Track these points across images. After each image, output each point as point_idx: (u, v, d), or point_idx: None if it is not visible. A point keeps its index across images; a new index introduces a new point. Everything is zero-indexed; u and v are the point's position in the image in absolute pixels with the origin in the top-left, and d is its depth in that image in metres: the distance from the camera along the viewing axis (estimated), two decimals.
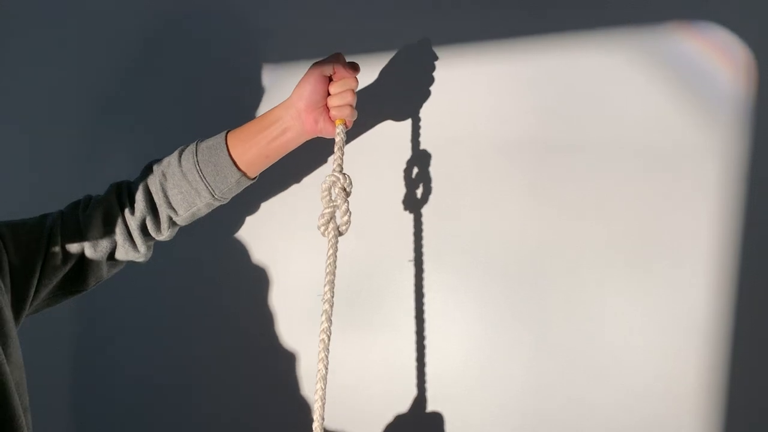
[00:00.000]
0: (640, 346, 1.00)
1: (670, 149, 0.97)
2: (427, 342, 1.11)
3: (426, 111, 1.10)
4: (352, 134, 1.12)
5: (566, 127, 1.01)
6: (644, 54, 0.97)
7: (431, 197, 1.10)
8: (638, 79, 0.98)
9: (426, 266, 1.11)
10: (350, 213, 0.91)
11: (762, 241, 0.95)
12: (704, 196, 0.96)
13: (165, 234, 1.03)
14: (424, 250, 1.11)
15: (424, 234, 1.11)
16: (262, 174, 1.03)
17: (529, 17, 1.03)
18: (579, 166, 1.01)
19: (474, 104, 1.07)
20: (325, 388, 0.84)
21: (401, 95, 1.12)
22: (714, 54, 0.94)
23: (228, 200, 1.03)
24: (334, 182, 0.91)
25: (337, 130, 0.94)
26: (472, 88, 1.07)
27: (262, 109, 1.21)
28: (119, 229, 0.99)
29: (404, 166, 1.11)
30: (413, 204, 1.11)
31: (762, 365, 0.95)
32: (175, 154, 1.00)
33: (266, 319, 1.25)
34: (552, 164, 1.03)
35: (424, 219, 1.11)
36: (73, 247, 0.99)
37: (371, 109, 1.06)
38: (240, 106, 1.24)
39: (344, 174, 0.91)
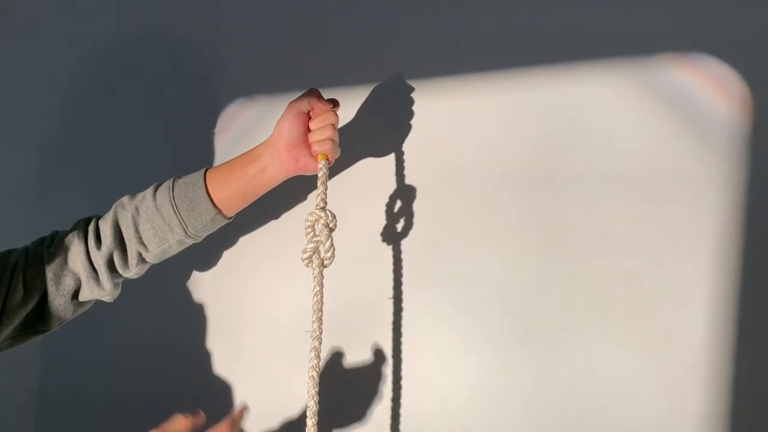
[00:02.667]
0: (640, 382, 0.98)
1: (665, 181, 0.97)
2: (417, 379, 1.10)
3: (412, 144, 1.10)
4: (333, 171, 1.11)
5: (558, 160, 1.02)
6: (638, 85, 0.98)
7: (418, 228, 1.10)
8: (632, 110, 0.98)
9: (413, 300, 1.10)
10: (334, 248, 0.92)
11: (763, 273, 0.94)
12: (701, 226, 0.95)
13: (132, 271, 1.00)
14: (411, 283, 1.10)
15: (411, 267, 1.10)
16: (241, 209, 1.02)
17: (519, 48, 1.04)
18: (571, 199, 1.01)
19: (463, 136, 1.07)
20: (316, 423, 0.84)
21: (386, 129, 1.13)
22: (708, 85, 0.95)
23: (201, 239, 1.01)
24: (317, 219, 0.92)
25: (320, 165, 0.95)
26: (461, 120, 1.07)
27: (230, 142, 1.21)
28: (83, 266, 0.96)
29: (389, 197, 1.11)
30: (396, 235, 1.11)
31: (763, 402, 0.95)
32: (151, 188, 0.99)
33: (247, 355, 1.23)
34: (543, 197, 1.02)
35: (410, 251, 1.10)
36: (36, 285, 0.95)
37: (353, 143, 1.07)
38: (207, 141, 1.23)
39: (328, 211, 0.92)
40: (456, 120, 1.08)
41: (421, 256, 1.10)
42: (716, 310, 0.95)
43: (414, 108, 1.10)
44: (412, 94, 1.10)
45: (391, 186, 1.11)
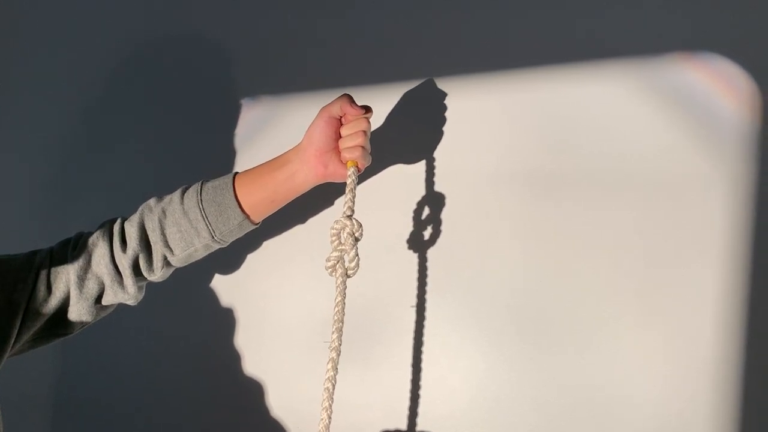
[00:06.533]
0: (650, 383, 0.97)
1: (675, 180, 0.96)
2: (431, 383, 1.08)
3: (430, 145, 1.10)
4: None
5: (571, 160, 1.01)
6: (647, 85, 0.98)
7: (434, 230, 1.09)
8: (642, 110, 0.98)
9: (428, 302, 1.09)
10: (358, 258, 0.89)
11: None
12: (711, 226, 0.95)
13: (158, 274, 0.98)
14: (427, 285, 1.10)
15: (429, 273, 1.09)
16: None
17: (532, 49, 1.04)
18: (585, 200, 1.01)
19: (476, 138, 1.07)
20: None
21: (403, 129, 1.12)
22: (718, 84, 0.95)
23: (227, 244, 1.00)
24: (343, 227, 0.89)
25: (349, 173, 0.93)
26: (474, 121, 1.07)
27: (251, 143, 1.22)
28: (107, 269, 0.95)
29: (408, 200, 1.10)
30: (414, 237, 1.10)
31: None
32: (178, 191, 0.98)
33: (255, 356, 1.22)
34: (558, 197, 1.02)
35: (427, 253, 1.09)
36: (60, 288, 0.94)
37: (375, 144, 1.05)
38: (229, 139, 1.24)
39: (354, 219, 0.89)
40: (472, 121, 1.07)
41: (433, 259, 1.09)
42: (726, 310, 0.94)
43: (434, 108, 1.09)
44: (433, 95, 1.09)
45: (408, 190, 1.11)
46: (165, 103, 1.30)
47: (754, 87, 0.93)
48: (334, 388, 0.83)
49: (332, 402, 0.82)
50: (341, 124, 0.95)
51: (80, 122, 1.37)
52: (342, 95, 0.95)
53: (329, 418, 0.81)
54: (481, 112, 1.06)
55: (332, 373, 0.83)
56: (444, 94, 1.09)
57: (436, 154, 1.09)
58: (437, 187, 1.09)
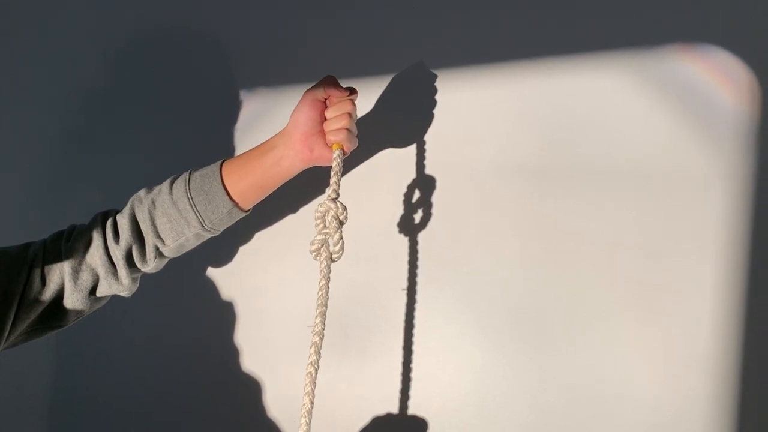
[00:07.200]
0: (645, 380, 0.96)
1: (674, 174, 0.95)
2: (423, 374, 1.07)
3: (425, 135, 1.09)
4: (351, 161, 1.10)
5: (567, 152, 1.00)
6: (646, 77, 0.96)
7: (429, 223, 1.08)
8: (640, 102, 0.97)
9: (423, 294, 1.08)
10: (343, 242, 0.87)
11: None
12: (710, 221, 0.93)
13: (151, 265, 0.98)
14: (421, 277, 1.08)
15: (422, 261, 1.08)
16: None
17: (529, 40, 1.03)
18: (580, 192, 0.99)
19: (473, 129, 1.06)
20: (309, 423, 0.79)
21: (400, 120, 1.11)
22: (716, 76, 0.93)
23: (219, 232, 0.99)
24: (327, 210, 0.87)
25: (334, 155, 0.91)
26: (471, 112, 1.06)
27: (246, 136, 1.22)
28: (101, 261, 0.95)
29: (404, 190, 1.09)
30: (410, 229, 1.09)
31: None
32: (167, 181, 0.97)
33: (251, 349, 1.22)
34: (553, 190, 1.00)
35: (421, 245, 1.08)
36: (54, 281, 0.94)
37: (370, 134, 1.06)
38: (223, 132, 1.24)
39: (339, 202, 0.88)
40: (468, 113, 1.06)
41: (428, 252, 1.08)
42: (725, 307, 0.93)
43: (431, 99, 1.08)
44: (429, 85, 1.08)
45: (400, 179, 1.10)
46: (160, 96, 1.30)
47: (753, 79, 0.92)
48: (316, 373, 0.81)
49: (315, 386, 0.80)
50: (326, 107, 0.94)
51: (75, 115, 1.38)
52: (326, 77, 0.94)
53: (311, 403, 0.80)
54: (479, 105, 1.05)
55: (315, 358, 0.82)
56: (442, 88, 1.08)
57: (436, 149, 1.08)
58: (436, 182, 1.08)
